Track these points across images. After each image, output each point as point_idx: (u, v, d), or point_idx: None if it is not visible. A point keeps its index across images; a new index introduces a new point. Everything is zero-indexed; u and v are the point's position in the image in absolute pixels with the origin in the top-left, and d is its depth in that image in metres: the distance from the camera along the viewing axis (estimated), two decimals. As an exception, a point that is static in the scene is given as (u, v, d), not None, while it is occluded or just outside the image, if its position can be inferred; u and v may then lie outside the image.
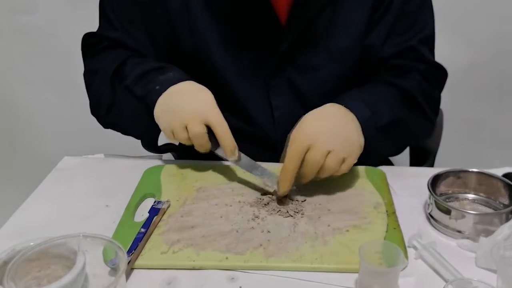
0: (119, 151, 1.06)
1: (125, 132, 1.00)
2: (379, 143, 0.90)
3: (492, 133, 1.89)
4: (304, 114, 0.95)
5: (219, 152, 0.88)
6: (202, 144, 0.86)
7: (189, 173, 0.93)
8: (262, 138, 1.03)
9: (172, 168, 0.95)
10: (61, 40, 1.82)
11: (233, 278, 0.70)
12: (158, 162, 0.98)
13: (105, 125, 1.02)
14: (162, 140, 1.20)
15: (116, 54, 0.98)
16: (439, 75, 1.02)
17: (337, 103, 0.88)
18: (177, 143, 1.00)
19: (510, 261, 0.66)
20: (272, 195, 0.86)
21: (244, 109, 1.02)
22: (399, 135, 0.96)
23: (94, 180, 0.94)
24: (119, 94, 0.94)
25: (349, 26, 0.98)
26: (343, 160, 0.82)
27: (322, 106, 0.88)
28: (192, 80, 0.91)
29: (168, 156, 1.18)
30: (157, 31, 0.99)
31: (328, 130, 0.82)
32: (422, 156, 1.19)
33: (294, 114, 1.02)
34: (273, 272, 0.71)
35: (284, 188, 0.82)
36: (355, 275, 0.70)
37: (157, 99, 0.88)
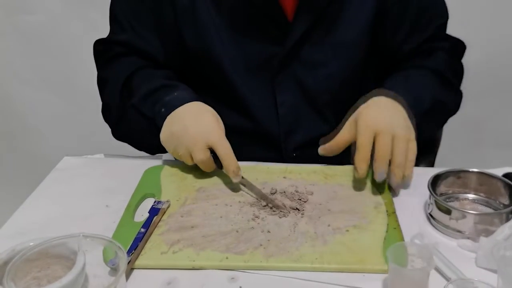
0: (119, 151, 1.06)
1: (137, 147, 1.02)
2: (423, 127, 0.92)
3: (493, 133, 1.89)
4: (310, 110, 1.01)
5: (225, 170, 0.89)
6: (208, 168, 0.89)
7: (189, 173, 0.93)
8: (265, 136, 1.04)
9: (172, 168, 0.95)
10: (61, 40, 1.83)
11: (233, 278, 0.70)
12: (158, 162, 0.98)
13: (117, 137, 1.03)
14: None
15: (126, 64, 0.99)
16: (460, 48, 1.09)
17: (381, 93, 0.91)
18: None
19: (510, 261, 0.66)
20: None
21: (248, 106, 1.02)
22: (439, 116, 1.04)
23: (94, 180, 0.94)
24: (128, 111, 0.95)
25: (356, 21, 0.99)
26: (408, 142, 0.86)
27: (372, 99, 0.91)
28: (196, 98, 0.92)
29: (168, 155, 1.18)
30: (164, 29, 0.99)
31: (387, 118, 0.86)
32: (422, 156, 1.19)
33: (299, 111, 1.02)
34: (274, 272, 0.71)
35: (363, 167, 0.84)
36: (355, 275, 0.70)
37: (163, 122, 0.89)
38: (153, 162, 0.99)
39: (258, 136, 1.03)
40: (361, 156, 0.84)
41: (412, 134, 0.88)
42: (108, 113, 1.01)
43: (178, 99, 0.91)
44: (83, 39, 1.68)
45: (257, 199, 0.85)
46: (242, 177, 0.87)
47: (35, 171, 1.12)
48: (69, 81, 1.87)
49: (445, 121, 1.11)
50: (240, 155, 0.96)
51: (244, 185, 0.88)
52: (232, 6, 0.96)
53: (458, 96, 1.06)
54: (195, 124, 0.88)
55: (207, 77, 1.01)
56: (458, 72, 1.07)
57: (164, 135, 0.90)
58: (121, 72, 0.97)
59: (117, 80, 0.97)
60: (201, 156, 0.87)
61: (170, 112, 0.89)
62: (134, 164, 0.98)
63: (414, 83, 0.97)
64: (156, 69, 1.00)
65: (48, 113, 1.92)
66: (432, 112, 0.97)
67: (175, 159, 1.18)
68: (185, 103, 0.90)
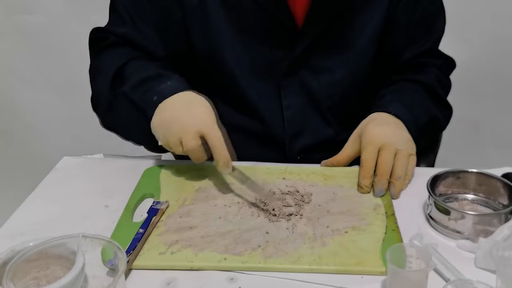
0: (119, 151, 1.06)
1: (124, 136, 0.99)
2: (418, 141, 0.94)
3: (492, 133, 1.89)
4: (315, 115, 1.03)
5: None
6: (198, 157, 0.85)
7: (188, 173, 0.93)
8: (270, 137, 1.04)
9: (171, 168, 0.95)
10: (61, 40, 1.83)
11: (232, 279, 0.70)
12: (157, 162, 0.98)
13: (105, 126, 1.01)
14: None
15: (120, 54, 0.97)
16: (450, 65, 1.12)
17: (380, 110, 0.96)
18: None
19: (509, 262, 0.66)
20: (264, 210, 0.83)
21: (255, 108, 1.02)
22: (433, 131, 1.09)
23: (93, 180, 0.94)
24: (118, 99, 0.93)
25: (365, 29, 1.00)
26: (409, 157, 0.90)
27: (372, 115, 0.95)
28: (190, 88, 0.90)
29: (169, 155, 1.18)
30: (169, 28, 0.98)
31: (391, 133, 0.91)
32: (422, 156, 1.19)
33: (304, 115, 1.03)
34: (273, 273, 0.71)
35: (367, 184, 0.87)
36: (353, 277, 0.70)
37: (154, 111, 0.87)
38: (153, 162, 0.99)
39: (263, 138, 1.03)
40: (365, 173, 0.87)
41: (413, 149, 0.92)
42: (97, 102, 0.99)
43: (171, 87, 0.88)
44: (83, 39, 1.68)
45: (256, 200, 0.85)
46: (235, 169, 0.85)
47: (34, 171, 1.12)
48: (69, 81, 1.86)
49: (436, 136, 1.18)
50: (244, 155, 0.96)
51: (237, 179, 0.86)
52: (242, 8, 0.96)
53: (448, 111, 1.09)
54: (186, 111, 0.85)
55: (213, 77, 1.01)
56: (447, 88, 1.11)
57: (155, 123, 0.87)
58: (114, 61, 0.95)
59: (109, 69, 0.95)
60: (192, 144, 0.83)
61: (162, 100, 0.87)
62: (134, 164, 0.98)
63: (410, 99, 1.00)
64: (151, 61, 0.99)
65: (48, 113, 1.92)
66: (427, 127, 1.00)
67: (175, 158, 1.18)
68: (178, 91, 0.87)
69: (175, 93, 0.87)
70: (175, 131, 0.84)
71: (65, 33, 1.81)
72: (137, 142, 0.98)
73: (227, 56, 0.98)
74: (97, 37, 1.02)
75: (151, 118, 0.87)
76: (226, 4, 0.95)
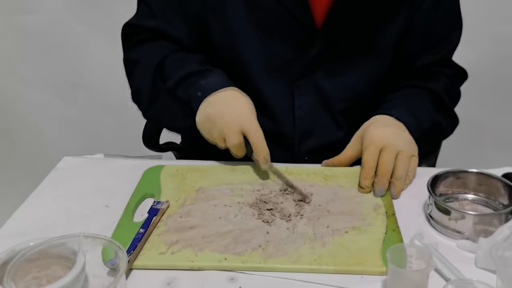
0: (119, 151, 1.06)
1: (167, 128, 1.03)
2: (420, 146, 0.95)
3: (492, 133, 1.89)
4: (326, 116, 1.04)
5: (254, 157, 0.91)
6: (239, 153, 0.91)
7: (189, 173, 0.93)
8: (280, 136, 1.04)
9: (172, 169, 0.95)
10: (62, 40, 1.82)
11: (233, 279, 0.71)
12: (158, 162, 0.98)
13: (148, 118, 1.05)
14: (163, 138, 1.21)
15: (157, 47, 1.00)
16: (462, 76, 1.12)
17: (383, 113, 0.97)
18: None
19: (509, 262, 0.66)
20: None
21: (267, 105, 1.03)
22: (436, 137, 1.09)
23: (93, 180, 0.94)
24: (162, 95, 0.97)
25: (384, 34, 0.99)
26: (411, 158, 0.90)
27: (374, 117, 0.96)
28: (231, 83, 0.94)
29: (169, 155, 1.18)
30: (192, 21, 1.00)
31: (392, 134, 0.91)
32: (423, 157, 1.19)
33: (315, 116, 1.04)
34: (273, 273, 0.71)
35: (367, 185, 0.88)
36: (354, 276, 0.70)
37: (199, 105, 0.91)
38: (153, 162, 0.99)
39: (272, 136, 1.04)
40: (365, 173, 0.88)
41: (415, 150, 0.93)
42: (139, 96, 1.02)
43: (214, 83, 0.93)
44: (83, 39, 1.68)
45: (257, 200, 0.85)
46: (272, 165, 0.89)
47: (35, 171, 1.13)
48: (69, 81, 1.86)
49: (438, 143, 1.18)
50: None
51: (274, 173, 0.90)
52: (262, 5, 0.96)
53: (454, 120, 1.09)
54: (230, 109, 0.90)
55: (229, 73, 1.02)
56: (455, 98, 1.10)
57: (200, 118, 0.91)
58: (154, 56, 0.99)
59: (149, 63, 0.98)
60: (235, 141, 0.88)
61: (207, 96, 0.91)
62: (134, 164, 0.98)
63: (415, 105, 1.01)
64: (188, 53, 1.01)
65: (48, 113, 1.92)
66: (430, 132, 1.01)
67: (175, 158, 1.18)
68: (221, 87, 0.92)
69: (218, 89, 0.92)
70: (219, 128, 0.89)
71: (65, 33, 1.80)
72: (180, 133, 1.01)
73: (244, 52, 0.99)
74: (129, 32, 1.04)
75: (196, 111, 0.91)
76: (246, 1, 0.96)
